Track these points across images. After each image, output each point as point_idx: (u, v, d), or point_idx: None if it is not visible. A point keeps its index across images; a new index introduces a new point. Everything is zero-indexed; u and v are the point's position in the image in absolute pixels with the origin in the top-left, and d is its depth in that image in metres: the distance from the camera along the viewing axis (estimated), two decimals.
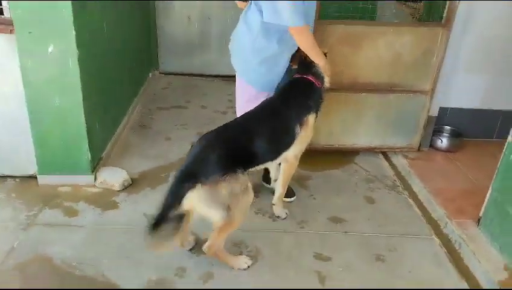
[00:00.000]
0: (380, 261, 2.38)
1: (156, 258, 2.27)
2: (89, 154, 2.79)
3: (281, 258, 2.34)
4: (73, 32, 2.43)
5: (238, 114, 2.63)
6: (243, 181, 2.06)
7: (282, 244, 2.45)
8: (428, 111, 3.42)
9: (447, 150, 3.56)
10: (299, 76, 2.50)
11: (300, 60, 2.51)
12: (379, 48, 3.14)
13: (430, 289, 2.20)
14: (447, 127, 3.70)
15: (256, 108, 2.41)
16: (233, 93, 2.72)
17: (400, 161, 3.45)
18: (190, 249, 2.34)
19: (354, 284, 2.20)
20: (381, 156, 3.55)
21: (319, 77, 2.50)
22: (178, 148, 3.43)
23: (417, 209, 2.88)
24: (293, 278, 2.21)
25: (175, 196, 1.96)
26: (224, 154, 2.05)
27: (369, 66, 3.20)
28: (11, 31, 2.41)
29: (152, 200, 2.74)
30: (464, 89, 3.55)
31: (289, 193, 2.81)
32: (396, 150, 3.53)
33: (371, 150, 3.54)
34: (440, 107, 3.55)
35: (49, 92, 2.58)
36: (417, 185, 3.12)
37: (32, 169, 2.84)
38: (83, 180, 2.84)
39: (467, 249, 2.46)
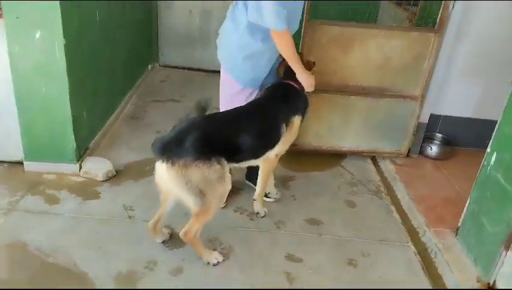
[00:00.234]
0: (352, 265, 2.39)
1: (129, 250, 2.31)
2: (74, 143, 2.83)
3: (253, 257, 2.35)
4: (60, 20, 2.45)
5: (221, 108, 2.65)
6: (217, 169, 2.07)
7: (256, 243, 2.47)
8: (418, 117, 3.40)
9: (436, 158, 3.55)
10: (285, 81, 2.54)
11: (286, 68, 2.56)
12: (370, 51, 3.13)
13: (405, 289, 2.20)
14: (438, 135, 3.68)
15: (245, 105, 2.46)
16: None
17: (387, 166, 3.44)
18: (163, 242, 2.37)
19: (321, 286, 2.21)
20: (369, 160, 3.54)
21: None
22: None
23: (397, 216, 2.87)
24: (262, 278, 2.23)
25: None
26: (202, 139, 2.06)
27: (360, 68, 3.19)
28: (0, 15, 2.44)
29: (133, 193, 2.80)
30: (456, 97, 3.52)
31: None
32: (385, 155, 3.52)
33: (358, 154, 3.53)
34: (432, 114, 3.53)
35: (35, 79, 2.61)
36: (401, 192, 3.11)
37: (20, 155, 2.88)
38: (68, 168, 2.89)
39: (442, 258, 2.46)
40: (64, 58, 2.58)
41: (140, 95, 4.34)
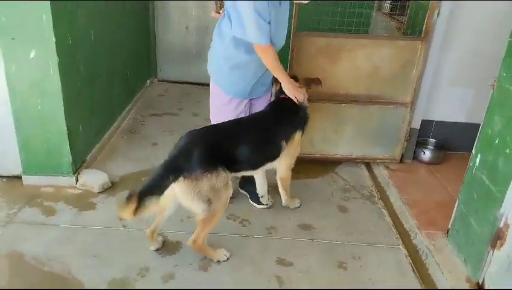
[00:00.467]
0: (342, 268, 2.42)
1: (122, 258, 2.36)
2: (70, 157, 2.91)
3: (244, 261, 2.40)
4: (53, 39, 2.56)
5: (212, 119, 2.73)
6: (223, 178, 2.21)
7: (247, 248, 2.51)
8: (410, 123, 3.44)
9: (430, 163, 3.58)
10: (284, 97, 2.63)
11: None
12: (358, 60, 3.20)
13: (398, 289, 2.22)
14: (432, 140, 3.72)
15: (246, 118, 2.60)
16: None
17: (380, 171, 3.48)
18: (156, 250, 2.42)
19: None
20: (363, 166, 3.59)
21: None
22: (162, 154, 3.49)
23: (389, 219, 2.90)
24: (251, 281, 2.27)
25: (157, 186, 2.09)
26: (207, 152, 2.19)
27: (349, 77, 3.26)
28: None
29: None
30: (448, 102, 3.57)
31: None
32: (378, 161, 3.56)
33: (352, 161, 3.58)
34: (424, 120, 3.58)
35: (31, 96, 2.71)
36: (394, 196, 3.15)
37: (18, 170, 2.97)
38: (65, 181, 2.96)
39: (432, 259, 2.48)
40: (58, 75, 2.67)
41: (138, 109, 4.44)
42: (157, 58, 5.34)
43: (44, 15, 2.50)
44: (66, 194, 2.90)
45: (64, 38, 2.72)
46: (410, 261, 2.53)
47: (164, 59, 5.36)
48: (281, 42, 2.57)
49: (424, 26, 3.16)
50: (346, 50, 3.17)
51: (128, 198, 1.99)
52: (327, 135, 3.45)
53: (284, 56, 3.02)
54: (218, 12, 2.66)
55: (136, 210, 1.99)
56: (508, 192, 2.07)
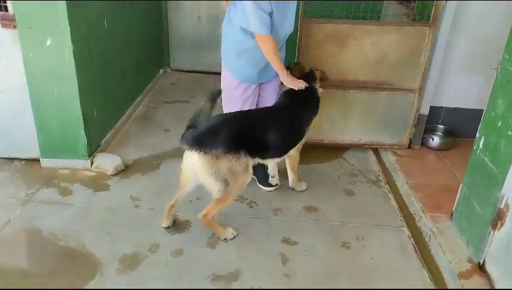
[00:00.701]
0: (345, 247, 2.48)
1: (134, 235, 2.47)
2: (86, 141, 3.03)
3: (249, 240, 2.48)
4: (68, 28, 2.66)
5: (223, 103, 2.83)
6: (243, 162, 2.31)
7: (253, 228, 2.59)
8: (418, 109, 3.47)
9: (439, 149, 3.60)
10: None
11: (301, 72, 2.79)
12: (365, 46, 3.23)
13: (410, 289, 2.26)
14: (440, 126, 3.73)
15: (274, 106, 2.72)
16: None
17: (388, 157, 3.52)
18: (167, 228, 2.53)
19: (314, 266, 2.32)
20: (371, 152, 3.63)
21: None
22: (174, 139, 3.59)
23: (394, 203, 2.95)
24: (257, 258, 2.35)
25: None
26: (233, 135, 2.30)
27: (357, 63, 3.29)
28: (14, 26, 2.68)
29: (140, 185, 2.98)
30: (457, 89, 3.57)
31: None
32: (386, 147, 3.60)
33: (360, 146, 3.62)
34: (433, 106, 3.59)
35: (48, 82, 2.83)
36: (400, 180, 3.19)
37: (36, 153, 3.10)
38: (81, 164, 3.09)
39: (435, 241, 2.53)
40: (73, 62, 2.79)
41: (151, 97, 4.56)
42: (170, 47, 5.43)
43: (59, 5, 2.61)
44: (82, 176, 3.02)
45: (79, 27, 2.83)
46: (413, 242, 2.57)
47: (177, 49, 5.46)
48: (287, 31, 2.63)
49: (432, 12, 3.16)
50: (354, 36, 3.20)
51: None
52: (335, 120, 3.50)
53: (292, 43, 3.08)
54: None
55: None
56: (508, 173, 2.11)
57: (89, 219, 2.61)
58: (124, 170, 3.13)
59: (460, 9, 3.21)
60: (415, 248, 2.53)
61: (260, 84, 2.79)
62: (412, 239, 2.60)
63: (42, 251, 2.35)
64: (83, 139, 3.02)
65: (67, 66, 2.78)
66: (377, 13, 4.69)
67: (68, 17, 2.64)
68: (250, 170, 2.40)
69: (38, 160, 3.11)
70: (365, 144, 3.60)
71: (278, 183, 2.99)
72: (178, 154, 3.28)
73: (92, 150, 3.15)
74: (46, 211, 2.65)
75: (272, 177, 2.95)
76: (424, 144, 3.64)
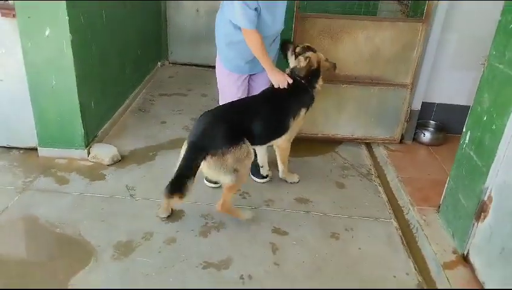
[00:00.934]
0: (334, 238, 2.55)
1: (129, 224, 2.54)
2: (83, 131, 3.09)
3: (241, 230, 2.55)
4: (67, 18, 2.71)
5: (219, 91, 2.93)
6: (245, 149, 2.42)
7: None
8: (410, 105, 3.52)
9: (430, 144, 3.66)
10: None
11: (308, 68, 2.77)
12: (359, 41, 3.28)
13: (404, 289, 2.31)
14: (432, 122, 3.79)
15: (259, 96, 2.76)
16: None
17: (380, 151, 3.58)
18: (165, 217, 2.60)
19: (303, 255, 2.39)
20: (363, 146, 3.69)
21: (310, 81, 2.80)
22: (170, 131, 3.71)
23: (384, 196, 3.01)
24: (248, 247, 2.42)
25: (190, 168, 2.31)
26: (228, 128, 2.41)
27: (350, 58, 3.35)
28: (13, 16, 2.72)
29: (136, 175, 3.04)
30: (449, 85, 3.63)
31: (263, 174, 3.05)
32: (379, 141, 3.66)
33: (353, 141, 3.68)
34: (425, 102, 3.65)
35: (46, 72, 2.88)
36: (391, 174, 3.25)
37: (34, 142, 3.16)
38: (78, 154, 3.15)
39: (422, 233, 2.59)
40: (71, 52, 2.84)
41: (149, 90, 4.61)
42: (169, 41, 5.48)
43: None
44: (79, 166, 3.08)
45: (77, 18, 2.88)
46: (401, 234, 2.64)
47: (175, 42, 5.50)
48: (278, 27, 2.68)
49: (425, 8, 3.21)
50: (348, 31, 3.25)
51: (172, 190, 2.26)
52: (328, 115, 3.56)
53: (287, 37, 3.13)
54: None
55: (182, 195, 2.26)
56: (492, 166, 2.17)
57: (84, 207, 2.67)
58: (120, 160, 3.19)
59: (452, 8, 3.25)
60: (402, 239, 2.60)
61: (251, 75, 2.85)
62: (400, 231, 2.67)
63: (38, 237, 2.41)
64: (80, 130, 3.08)
65: (65, 56, 2.83)
66: (374, 8, 4.77)
67: (67, 7, 2.69)
68: (252, 152, 2.49)
69: (36, 149, 3.16)
70: (358, 138, 3.67)
71: (269, 174, 3.05)
72: (173, 146, 3.38)
73: (89, 140, 3.21)
74: (43, 199, 2.71)
75: (261, 167, 3.01)
76: (415, 139, 3.70)
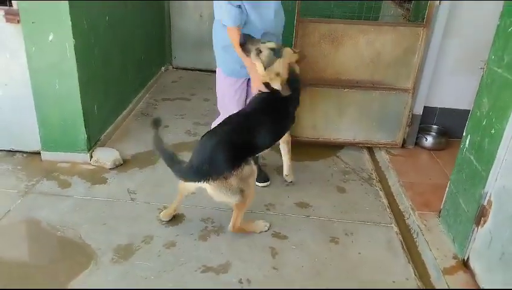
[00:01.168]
0: (334, 242, 2.55)
1: (129, 227, 2.55)
2: (85, 135, 3.12)
3: (241, 234, 2.54)
4: (70, 24, 2.75)
5: (217, 96, 2.94)
6: (248, 168, 2.38)
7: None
8: (412, 109, 3.52)
9: (432, 149, 3.65)
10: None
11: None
12: (360, 46, 3.29)
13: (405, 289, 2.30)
14: (434, 126, 3.78)
15: (253, 108, 2.65)
16: None
17: (382, 156, 3.58)
18: (166, 221, 2.62)
19: (302, 260, 2.39)
20: (365, 151, 3.68)
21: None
22: (172, 135, 3.73)
23: (385, 200, 3.01)
24: (247, 251, 2.42)
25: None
26: (229, 152, 2.33)
27: (351, 62, 3.36)
28: (18, 21, 2.77)
29: (137, 179, 3.06)
30: (451, 89, 3.62)
31: (264, 177, 3.05)
32: (380, 145, 3.65)
33: (354, 145, 3.68)
34: (428, 107, 3.65)
35: (50, 76, 2.92)
36: (392, 179, 3.25)
37: (38, 146, 3.19)
38: (80, 158, 3.18)
39: (422, 238, 2.59)
40: (74, 57, 2.87)
41: (152, 94, 4.64)
42: (172, 45, 5.52)
43: (61, 2, 2.70)
44: (81, 169, 3.11)
45: (80, 22, 2.91)
46: (401, 238, 2.64)
47: (179, 47, 5.54)
48: (268, 26, 2.66)
49: (426, 12, 3.22)
50: (349, 36, 3.26)
51: None
52: (330, 119, 3.56)
53: (289, 43, 3.14)
54: None
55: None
56: (491, 171, 2.16)
57: (86, 210, 2.69)
58: (122, 164, 3.21)
59: (454, 10, 3.25)
60: (402, 244, 2.59)
61: (249, 79, 2.86)
62: (400, 236, 2.66)
63: (40, 240, 2.43)
64: (82, 134, 3.11)
65: (68, 60, 2.86)
66: (375, 13, 4.79)
67: (70, 12, 2.73)
68: (254, 168, 2.46)
69: (39, 153, 3.20)
70: (359, 143, 3.67)
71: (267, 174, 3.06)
72: (176, 150, 3.37)
73: (92, 144, 3.24)
74: (45, 202, 2.74)
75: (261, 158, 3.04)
76: (417, 143, 3.69)
